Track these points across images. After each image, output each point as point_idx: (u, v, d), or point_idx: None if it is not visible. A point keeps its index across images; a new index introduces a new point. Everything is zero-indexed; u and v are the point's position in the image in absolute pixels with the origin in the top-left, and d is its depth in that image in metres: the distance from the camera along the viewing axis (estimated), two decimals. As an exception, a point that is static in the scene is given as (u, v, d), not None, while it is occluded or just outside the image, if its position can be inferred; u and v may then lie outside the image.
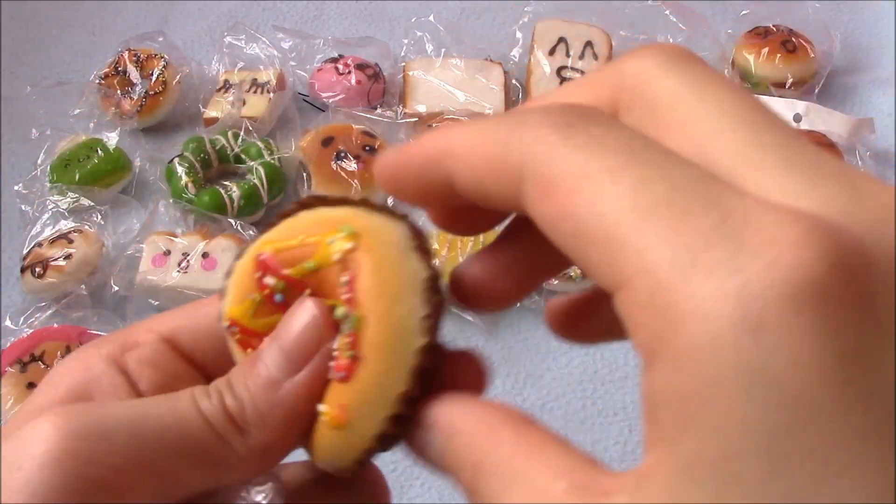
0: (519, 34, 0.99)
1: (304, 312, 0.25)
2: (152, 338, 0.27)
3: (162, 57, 0.94)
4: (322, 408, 0.24)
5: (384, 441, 0.24)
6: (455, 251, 0.75)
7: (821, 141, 0.85)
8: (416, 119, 0.90)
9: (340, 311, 0.24)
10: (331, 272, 0.25)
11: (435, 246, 0.76)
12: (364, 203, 0.26)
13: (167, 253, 0.78)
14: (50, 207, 0.84)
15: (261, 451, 0.24)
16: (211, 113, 0.91)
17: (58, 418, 0.22)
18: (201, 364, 0.28)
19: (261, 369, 0.24)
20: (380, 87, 0.94)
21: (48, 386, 0.26)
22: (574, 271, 0.75)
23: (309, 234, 0.25)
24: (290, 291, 0.26)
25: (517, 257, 0.26)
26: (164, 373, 0.27)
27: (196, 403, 0.24)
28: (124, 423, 0.23)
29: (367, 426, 0.24)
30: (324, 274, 0.25)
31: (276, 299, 0.26)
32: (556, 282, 0.75)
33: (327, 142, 0.86)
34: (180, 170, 0.85)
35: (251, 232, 0.80)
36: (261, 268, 0.26)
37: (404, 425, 0.24)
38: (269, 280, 0.26)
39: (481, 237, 0.76)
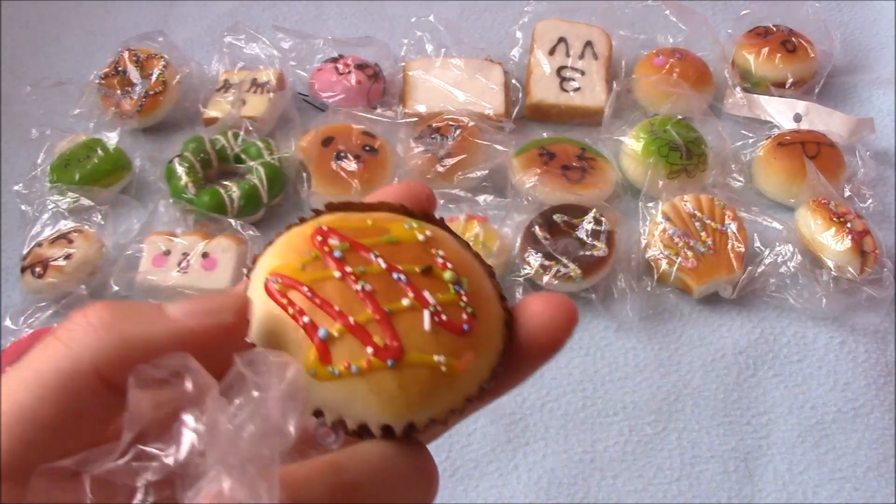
0: (519, 34, 0.99)
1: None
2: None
3: (162, 57, 0.94)
4: (440, 358, 0.26)
5: (481, 391, 0.28)
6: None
7: (821, 140, 0.85)
8: (416, 119, 0.90)
9: (449, 274, 0.28)
10: (409, 248, 0.28)
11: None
12: (396, 208, 0.30)
13: (167, 253, 0.78)
14: (50, 207, 0.84)
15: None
16: (211, 113, 0.91)
17: None
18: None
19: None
20: (380, 87, 0.94)
21: None
22: (574, 271, 0.75)
23: (376, 220, 0.29)
24: (352, 254, 0.27)
25: None
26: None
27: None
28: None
29: (476, 375, 0.27)
30: (401, 248, 0.28)
31: (335, 255, 0.27)
32: (557, 282, 0.75)
33: (327, 142, 0.86)
34: (180, 170, 0.85)
35: (251, 232, 0.80)
36: (321, 234, 0.28)
37: (497, 378, 0.28)
38: (333, 241, 0.28)
39: (481, 237, 0.76)
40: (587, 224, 0.78)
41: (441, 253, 0.28)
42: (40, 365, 0.24)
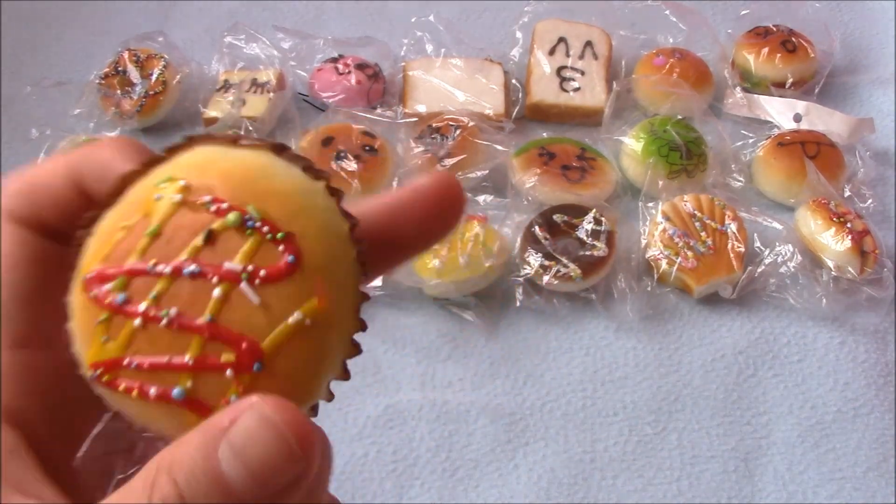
0: (519, 34, 0.99)
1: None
2: (60, 182, 0.26)
3: (162, 57, 0.94)
4: (298, 316, 0.22)
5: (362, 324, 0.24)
6: (455, 251, 0.75)
7: (821, 140, 0.85)
8: (416, 119, 0.90)
9: (232, 217, 0.22)
10: (176, 222, 0.22)
11: (434, 246, 0.76)
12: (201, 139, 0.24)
13: (167, 253, 0.77)
14: (50, 207, 0.84)
15: None
16: (211, 113, 0.91)
17: None
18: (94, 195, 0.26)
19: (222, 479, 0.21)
20: (380, 87, 0.94)
21: None
22: (574, 271, 0.75)
23: (129, 209, 0.23)
24: (134, 281, 0.22)
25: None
26: (64, 213, 0.26)
27: None
28: None
29: (343, 313, 0.24)
30: (169, 229, 0.22)
31: (118, 303, 0.22)
32: (557, 282, 0.75)
33: (327, 142, 0.86)
34: (180, 170, 0.84)
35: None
36: (90, 286, 0.22)
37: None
38: (107, 287, 0.22)
39: (481, 236, 0.76)
40: (587, 224, 0.78)
41: (207, 197, 0.22)
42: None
